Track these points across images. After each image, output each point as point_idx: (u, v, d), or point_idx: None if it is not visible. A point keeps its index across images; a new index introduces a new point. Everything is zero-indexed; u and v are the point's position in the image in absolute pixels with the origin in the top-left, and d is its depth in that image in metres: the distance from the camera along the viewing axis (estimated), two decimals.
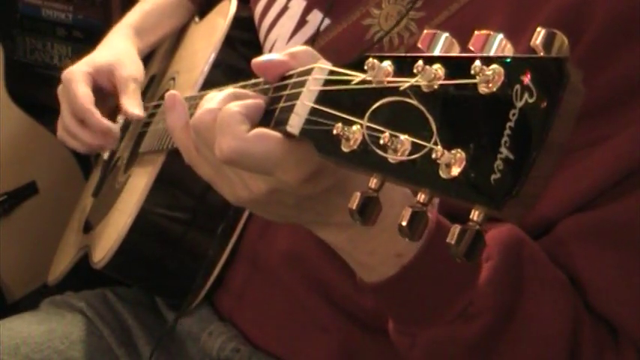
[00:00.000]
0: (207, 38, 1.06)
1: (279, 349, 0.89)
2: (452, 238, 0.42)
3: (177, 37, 1.21)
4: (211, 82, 0.95)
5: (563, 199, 0.68)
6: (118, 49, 1.11)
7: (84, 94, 1.03)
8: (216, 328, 0.93)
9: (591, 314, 0.69)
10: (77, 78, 1.05)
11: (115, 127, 1.04)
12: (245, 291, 0.93)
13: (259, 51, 0.97)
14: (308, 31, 0.88)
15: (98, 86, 1.07)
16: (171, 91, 0.65)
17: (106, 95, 1.07)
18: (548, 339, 0.67)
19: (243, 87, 0.63)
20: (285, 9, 0.93)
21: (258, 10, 0.98)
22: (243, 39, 1.01)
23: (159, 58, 1.26)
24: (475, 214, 0.41)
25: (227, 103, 0.58)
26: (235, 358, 0.89)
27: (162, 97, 1.12)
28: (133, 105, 1.03)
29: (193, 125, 0.60)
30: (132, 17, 1.17)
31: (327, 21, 0.87)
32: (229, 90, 0.60)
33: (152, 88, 1.20)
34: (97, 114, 1.03)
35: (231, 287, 0.94)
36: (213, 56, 0.98)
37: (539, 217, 0.69)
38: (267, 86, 0.61)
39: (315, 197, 0.57)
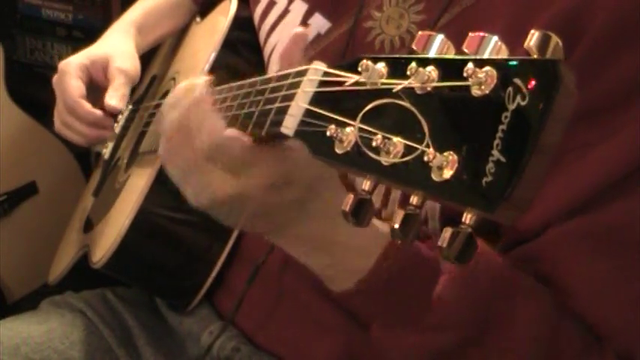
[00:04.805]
0: (207, 38, 1.06)
1: (281, 349, 0.89)
2: (443, 242, 0.42)
3: (179, 37, 1.22)
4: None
5: (554, 203, 0.68)
6: (117, 44, 1.12)
7: (74, 86, 1.05)
8: (216, 328, 0.92)
9: (575, 321, 0.68)
10: (71, 70, 1.06)
11: (102, 115, 1.05)
12: (245, 291, 0.93)
13: (260, 51, 0.97)
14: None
15: (93, 79, 1.08)
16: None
17: (102, 88, 1.08)
18: (522, 349, 0.66)
19: (240, 87, 0.64)
20: (285, 12, 0.92)
21: (258, 12, 0.97)
22: (244, 39, 1.00)
23: (160, 58, 1.26)
24: (467, 217, 0.41)
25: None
26: (235, 357, 0.89)
27: (162, 97, 1.12)
28: (111, 96, 1.05)
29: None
30: (133, 14, 1.18)
31: (327, 24, 0.87)
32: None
33: (153, 88, 1.20)
34: (85, 105, 1.04)
35: (232, 287, 0.94)
36: (213, 56, 0.98)
37: (530, 221, 0.69)
38: (263, 86, 0.61)
39: (278, 206, 0.58)
